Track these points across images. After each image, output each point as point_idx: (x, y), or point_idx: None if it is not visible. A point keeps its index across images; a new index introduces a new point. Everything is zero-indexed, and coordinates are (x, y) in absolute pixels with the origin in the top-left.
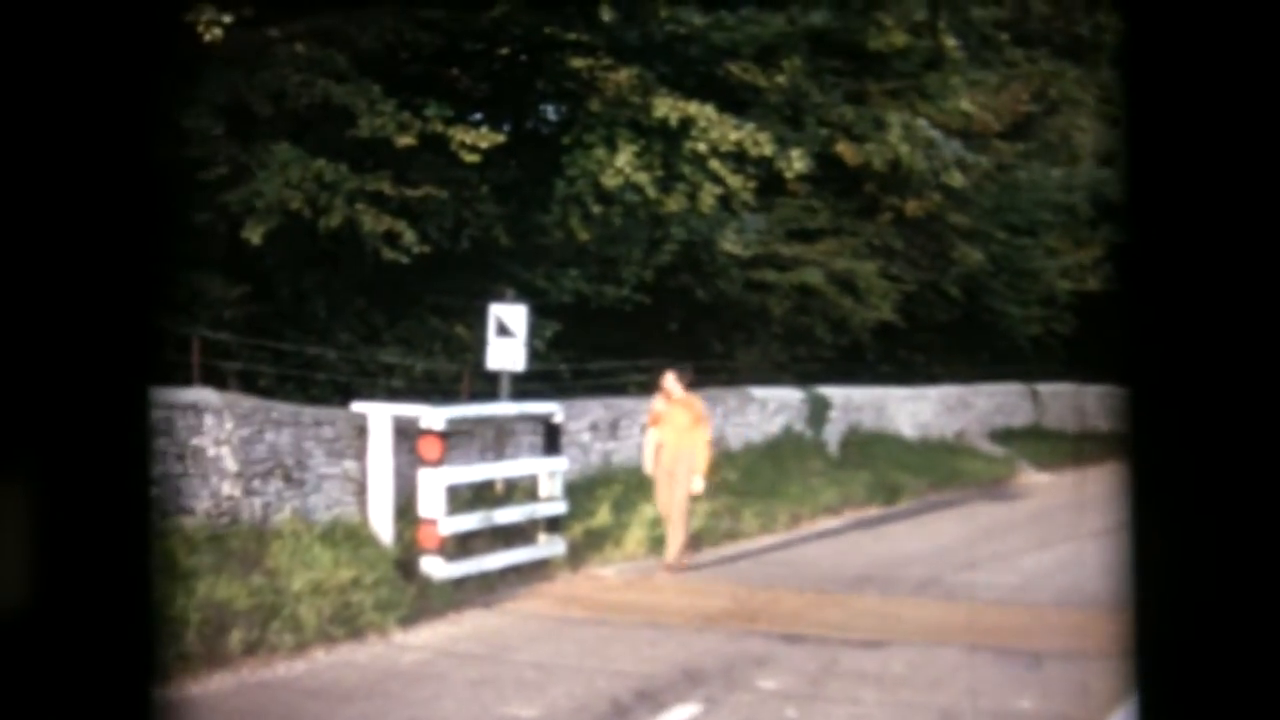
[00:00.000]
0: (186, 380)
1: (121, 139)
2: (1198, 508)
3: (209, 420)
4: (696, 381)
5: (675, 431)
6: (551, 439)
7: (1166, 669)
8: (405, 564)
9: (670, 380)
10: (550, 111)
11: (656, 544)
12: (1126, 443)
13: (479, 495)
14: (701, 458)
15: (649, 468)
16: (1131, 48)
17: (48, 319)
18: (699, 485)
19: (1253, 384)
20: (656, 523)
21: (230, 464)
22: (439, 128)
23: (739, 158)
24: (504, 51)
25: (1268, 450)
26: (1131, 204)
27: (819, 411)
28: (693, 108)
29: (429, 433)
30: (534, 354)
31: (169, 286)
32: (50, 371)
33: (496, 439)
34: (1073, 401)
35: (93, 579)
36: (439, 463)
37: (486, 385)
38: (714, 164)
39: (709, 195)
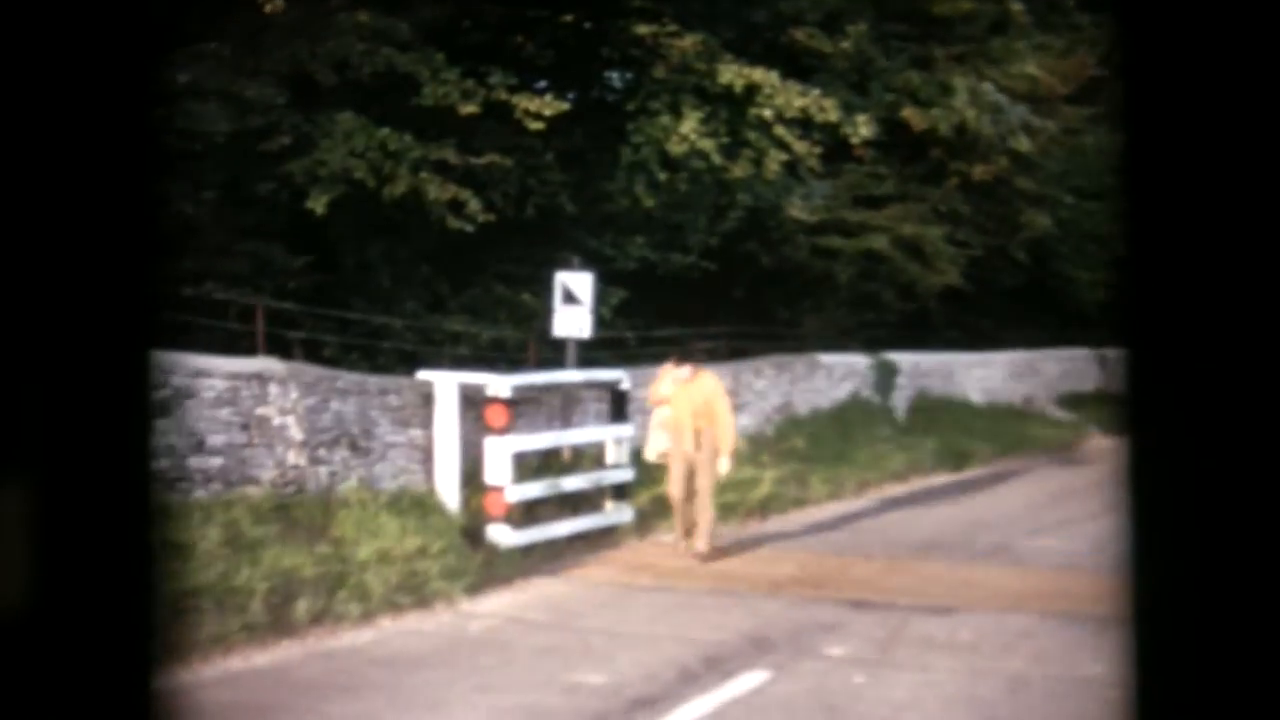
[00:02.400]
0: (251, 350)
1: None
2: (1199, 473)
3: (274, 389)
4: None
5: (689, 414)
6: (618, 406)
7: (1164, 636)
8: (472, 532)
9: (675, 360)
10: (615, 78)
11: (725, 510)
12: (1127, 406)
13: (546, 463)
14: (726, 437)
15: (653, 452)
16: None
17: (41, 276)
18: (726, 465)
19: (1257, 350)
20: (723, 489)
21: (296, 433)
22: (503, 96)
23: (805, 124)
24: (568, 19)
25: (1271, 413)
26: (1132, 166)
27: (886, 378)
28: (758, 74)
29: (495, 400)
30: (600, 321)
31: (168, 244)
32: (40, 334)
33: (563, 406)
34: None
35: (87, 560)
36: (505, 430)
37: (553, 353)
38: (779, 130)
39: (775, 161)
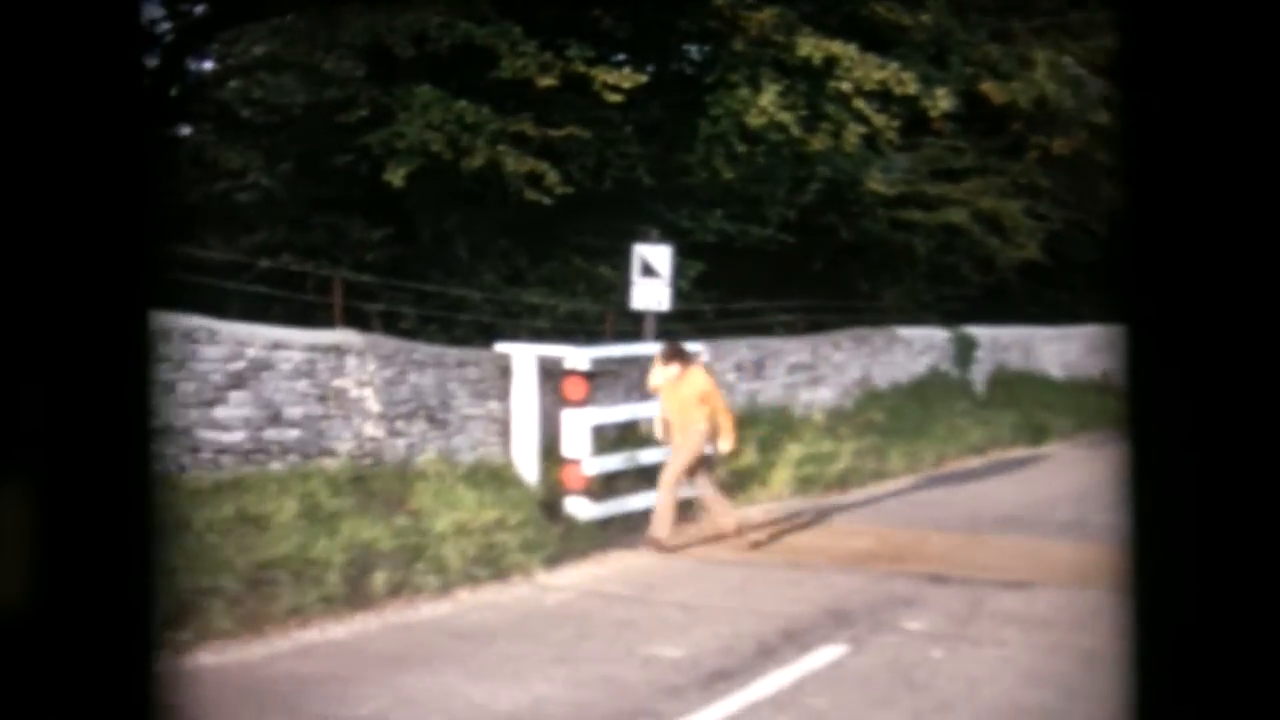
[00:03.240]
0: (329, 322)
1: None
2: (1198, 449)
3: (351, 362)
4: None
5: (678, 411)
6: None
7: (1162, 610)
8: (550, 505)
9: (662, 360)
10: (693, 51)
11: (803, 483)
12: (1125, 383)
13: (623, 435)
14: (726, 426)
15: (660, 434)
16: None
17: (33, 235)
18: (727, 445)
19: (1256, 328)
20: (802, 462)
21: (373, 405)
22: (581, 69)
23: (883, 97)
24: None
25: (1269, 390)
26: (1131, 139)
27: (965, 351)
28: (836, 47)
29: (573, 373)
30: (679, 294)
31: (166, 200)
32: (33, 295)
33: (642, 379)
34: None
35: (80, 543)
36: (584, 403)
37: (631, 325)
38: (858, 103)
39: (853, 134)
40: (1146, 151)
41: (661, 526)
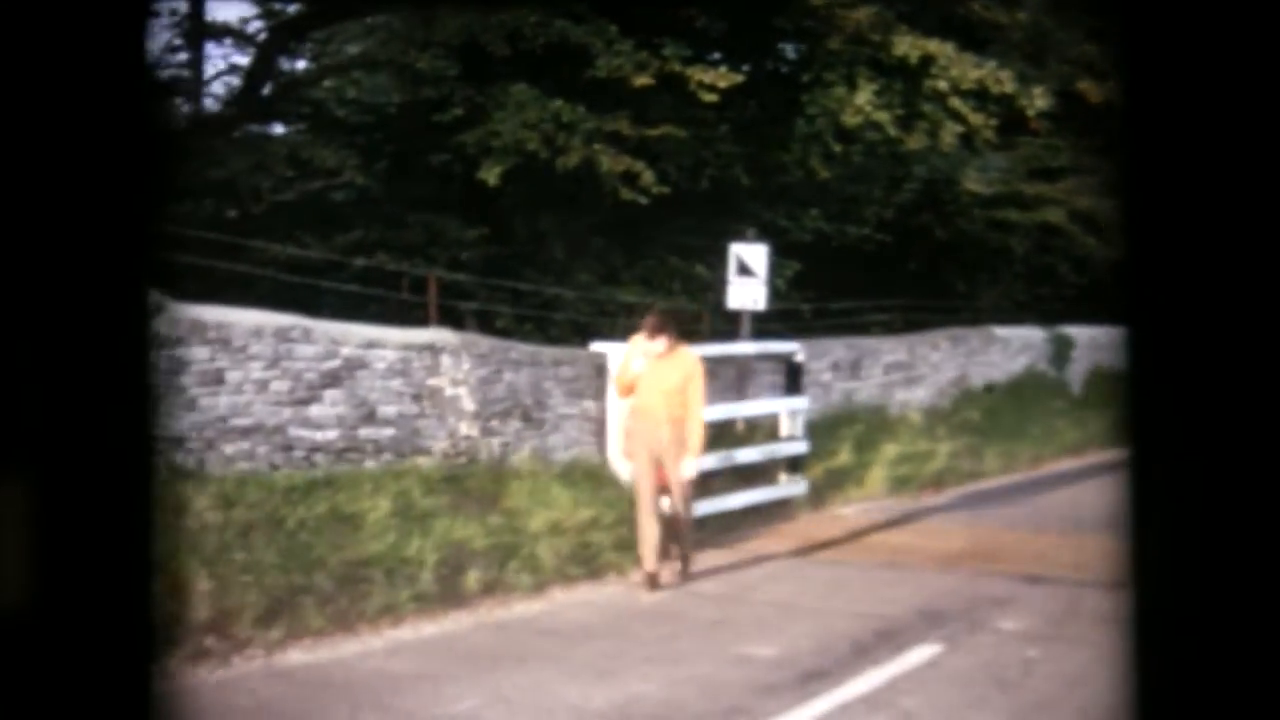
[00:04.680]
0: (423, 321)
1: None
2: (1199, 449)
3: (446, 360)
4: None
5: (661, 397)
6: (793, 378)
7: (1162, 600)
8: None
9: (647, 331)
10: (789, 50)
11: (899, 483)
12: (1126, 385)
13: (720, 434)
14: (695, 431)
15: (618, 459)
16: None
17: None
18: (691, 469)
19: (1257, 326)
20: (898, 461)
21: (468, 404)
22: (677, 67)
23: (980, 95)
24: None
25: (1269, 388)
26: (1130, 137)
27: (1062, 351)
28: (933, 45)
29: None
30: (775, 293)
31: (165, 185)
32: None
33: (737, 378)
34: None
35: (78, 535)
36: None
37: (727, 324)
38: (955, 102)
39: (950, 134)
40: (1147, 155)
41: (653, 561)
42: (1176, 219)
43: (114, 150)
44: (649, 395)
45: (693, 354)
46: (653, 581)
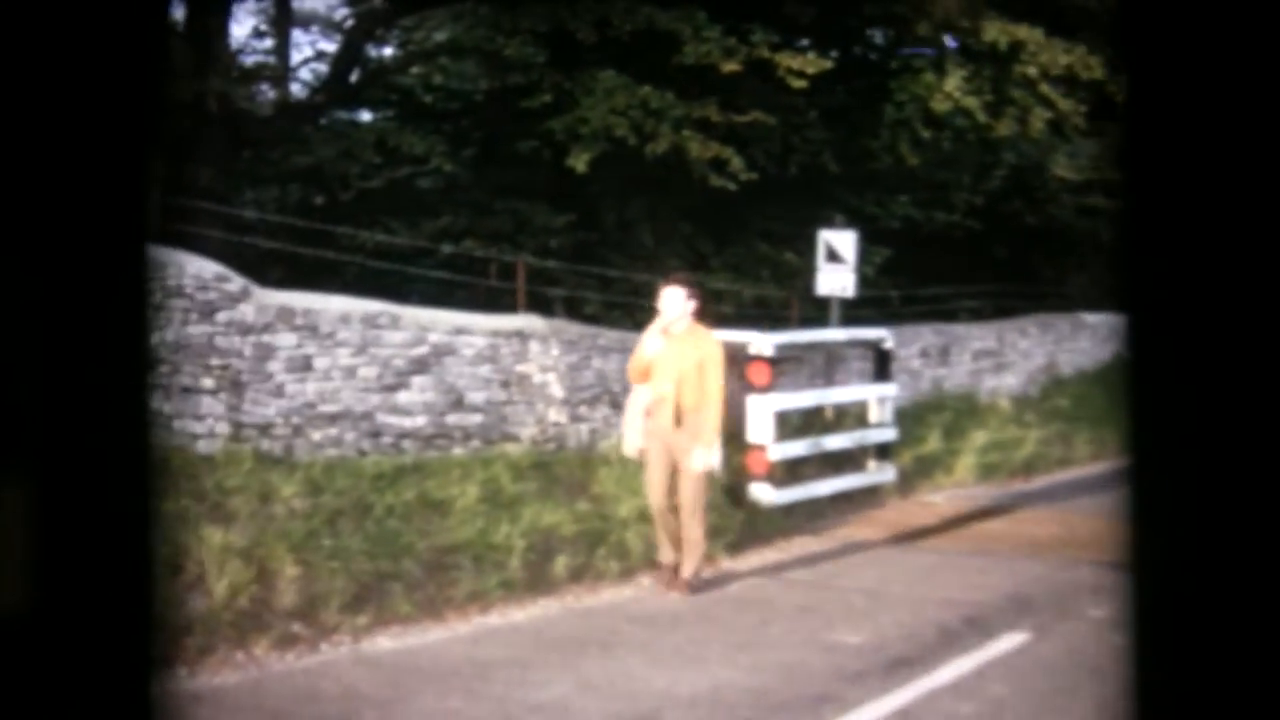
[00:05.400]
0: (512, 307)
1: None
2: (1200, 438)
3: (535, 347)
4: (1007, 308)
5: (674, 382)
6: (882, 365)
7: (1163, 590)
8: (733, 490)
9: (670, 300)
10: (878, 36)
11: (988, 470)
12: (1129, 371)
13: (808, 421)
14: (711, 420)
15: (633, 447)
16: None
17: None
18: (709, 459)
19: (1258, 315)
20: (987, 448)
21: (557, 390)
22: (765, 54)
23: (1070, 81)
24: None
25: (1270, 379)
26: (1133, 124)
27: None
28: (1022, 31)
29: (758, 359)
30: (864, 280)
31: (160, 131)
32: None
33: (826, 365)
34: None
35: (74, 534)
36: (768, 389)
37: (816, 311)
38: (1044, 88)
39: (1039, 120)
40: (1151, 144)
41: (689, 563)
42: (1181, 209)
43: (111, 127)
44: (663, 380)
45: (711, 334)
46: (671, 577)
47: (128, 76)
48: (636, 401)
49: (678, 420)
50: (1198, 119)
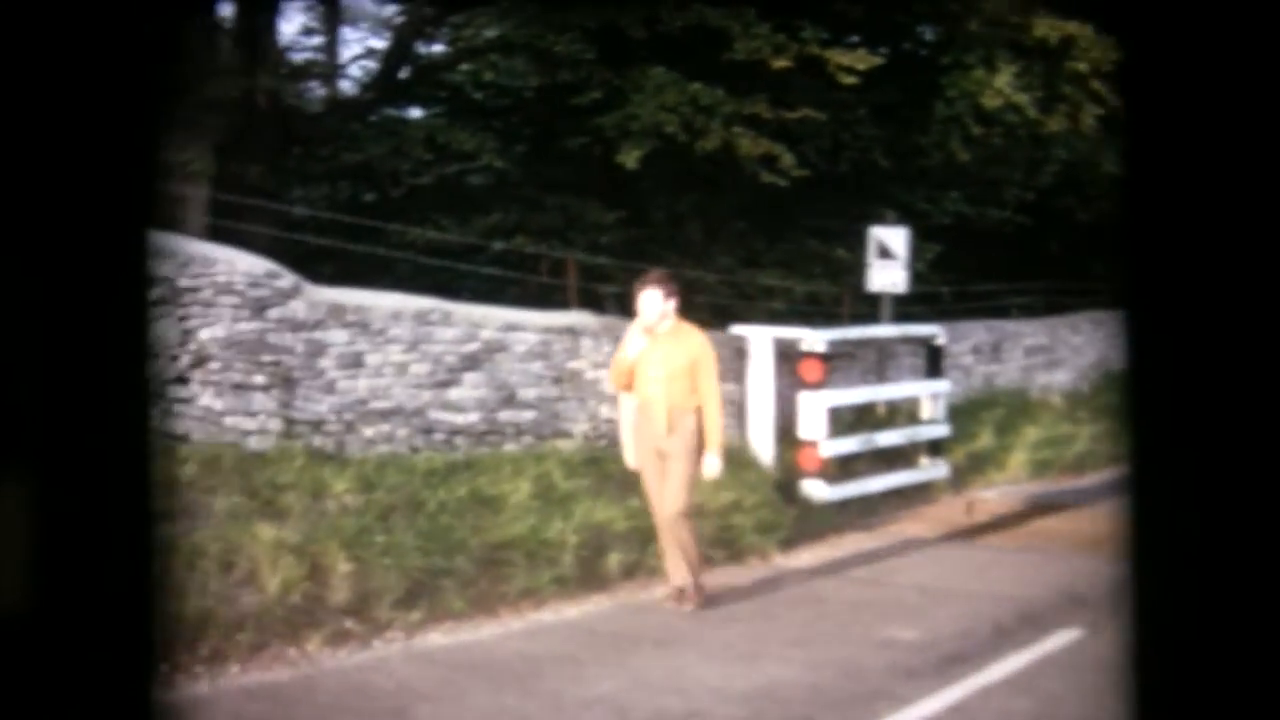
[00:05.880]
0: (563, 304)
1: None
2: (1200, 437)
3: (586, 343)
4: (1059, 304)
5: (662, 385)
6: (934, 361)
7: (1162, 588)
8: (786, 486)
9: (648, 302)
10: (928, 33)
11: (1040, 467)
12: (1127, 368)
13: (860, 418)
14: (714, 422)
15: (633, 456)
16: None
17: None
18: (715, 466)
19: (1257, 310)
20: (1039, 445)
21: (608, 387)
22: (815, 50)
23: None
24: None
25: (1269, 374)
26: (1134, 126)
27: None
28: (1072, 27)
29: (810, 355)
30: (915, 276)
31: (164, 118)
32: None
33: (878, 361)
34: None
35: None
36: (820, 385)
37: (867, 307)
38: (1095, 84)
39: (1090, 116)
40: (1151, 140)
41: (680, 573)
42: (1181, 209)
43: (112, 113)
44: (648, 384)
45: (698, 332)
46: (681, 595)
47: (130, 67)
48: (627, 409)
49: (670, 426)
50: (1198, 119)
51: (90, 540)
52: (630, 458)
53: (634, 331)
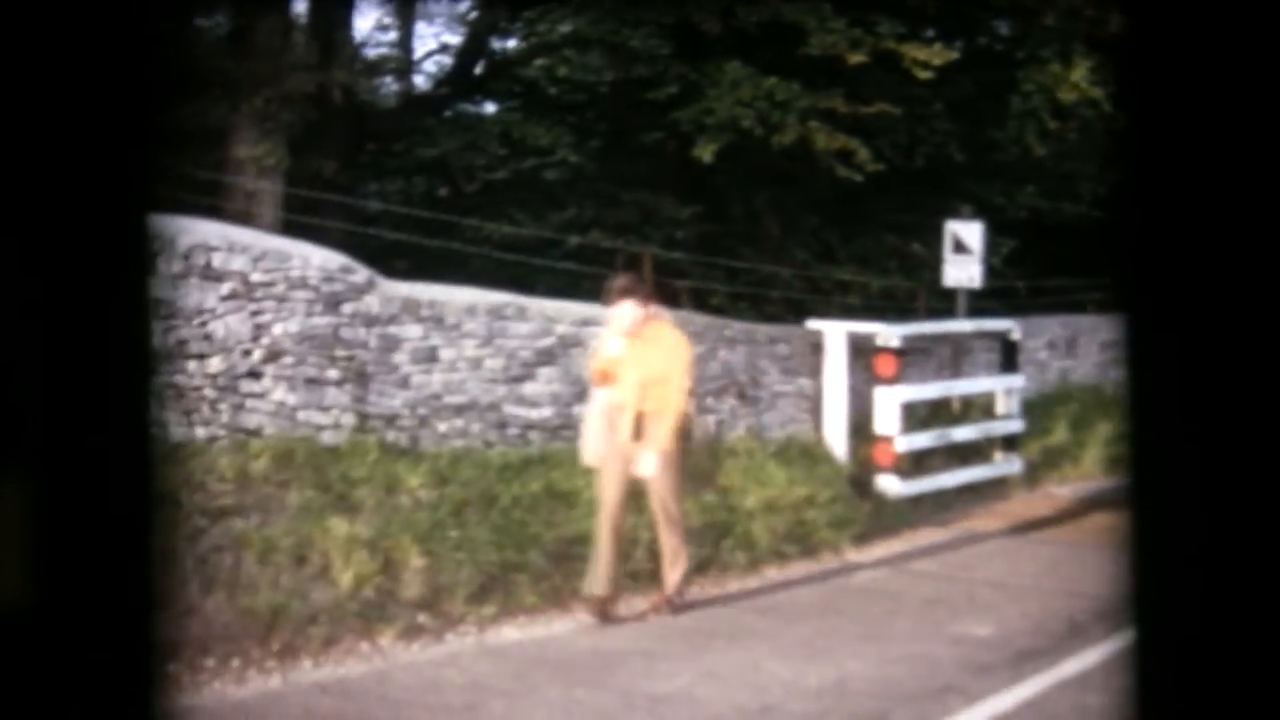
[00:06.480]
0: None
1: None
2: (1199, 437)
3: None
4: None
5: (633, 387)
6: (1009, 356)
7: (1164, 589)
8: (859, 482)
9: (623, 314)
10: (1003, 27)
11: (1114, 463)
12: (1127, 370)
13: (935, 413)
14: (666, 424)
15: (593, 454)
16: None
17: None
18: (650, 465)
19: (1256, 311)
20: (1114, 441)
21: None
22: (891, 44)
23: None
24: None
25: (1268, 376)
26: (1130, 124)
27: None
28: None
29: (885, 350)
30: (990, 271)
31: (165, 101)
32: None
33: (953, 356)
34: None
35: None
36: (895, 380)
37: (943, 302)
38: None
39: None
40: (1147, 142)
41: (672, 577)
42: (1179, 205)
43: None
44: (621, 387)
45: (676, 331)
46: (601, 611)
47: (128, 60)
48: (597, 405)
49: (637, 432)
50: (1197, 119)
51: (89, 540)
52: (588, 454)
53: (610, 333)
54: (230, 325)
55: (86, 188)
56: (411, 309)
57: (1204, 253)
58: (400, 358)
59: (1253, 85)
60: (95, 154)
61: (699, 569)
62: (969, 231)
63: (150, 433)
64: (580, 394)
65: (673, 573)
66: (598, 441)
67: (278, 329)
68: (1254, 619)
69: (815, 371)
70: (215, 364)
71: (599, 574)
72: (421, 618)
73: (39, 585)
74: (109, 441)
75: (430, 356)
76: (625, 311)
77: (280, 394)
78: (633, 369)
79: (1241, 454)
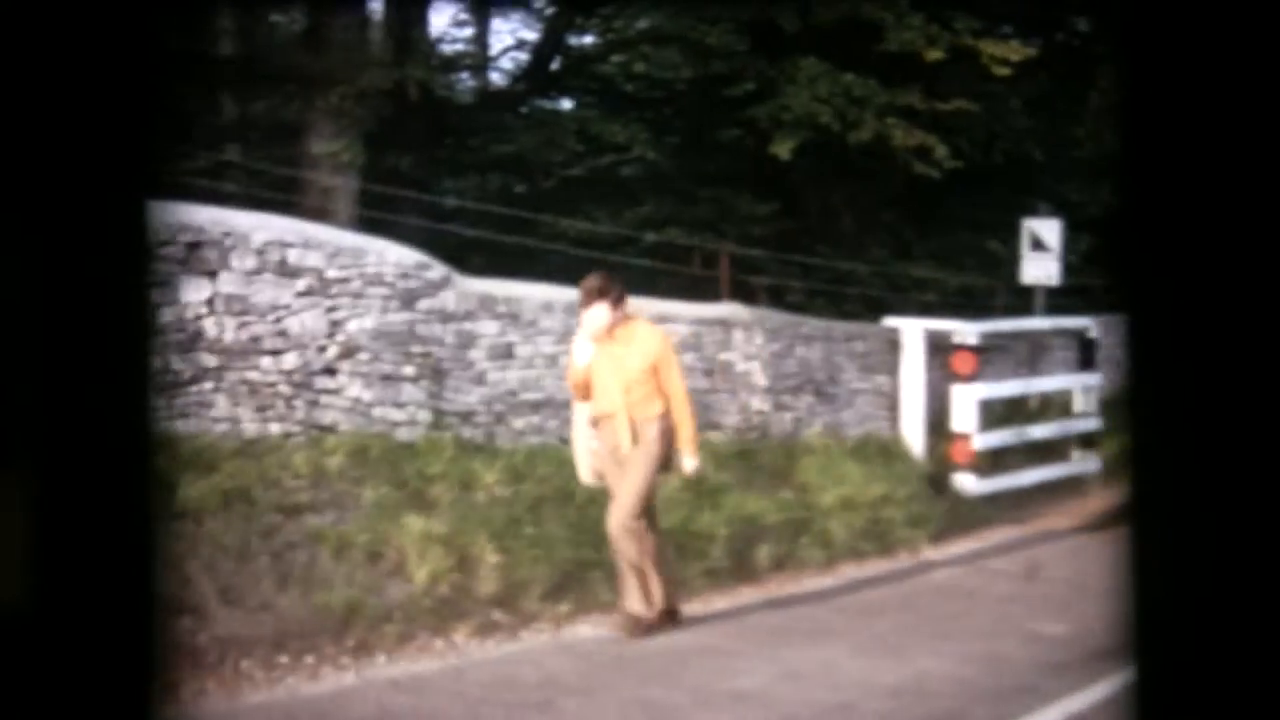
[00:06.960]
0: (715, 295)
1: None
2: (1201, 439)
3: (738, 335)
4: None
5: (619, 391)
6: (1087, 354)
7: (1166, 591)
8: (936, 479)
9: (595, 315)
10: (1081, 23)
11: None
12: (1129, 373)
13: (1012, 410)
14: (685, 422)
15: (588, 473)
16: None
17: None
18: (693, 466)
19: (1258, 312)
20: None
21: (760, 379)
22: (968, 41)
23: None
24: None
25: (1270, 377)
26: (1133, 128)
27: None
28: None
29: (962, 347)
30: (1068, 268)
31: (168, 91)
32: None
33: (1030, 354)
34: None
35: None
36: (972, 378)
37: (1020, 300)
38: None
39: None
40: (1149, 145)
41: (634, 598)
42: (1180, 207)
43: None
44: (604, 396)
45: (654, 327)
46: (636, 626)
47: (126, 54)
48: (581, 419)
49: (633, 437)
50: (1197, 119)
51: (88, 539)
52: (584, 473)
53: (581, 337)
54: (306, 322)
55: (85, 183)
56: (488, 305)
57: (1206, 257)
58: (476, 354)
59: (1253, 89)
60: (92, 147)
61: (777, 565)
62: (1047, 228)
63: (150, 426)
64: None
65: (652, 592)
66: (593, 459)
67: (353, 325)
68: (1258, 619)
69: (892, 369)
70: (290, 360)
71: (631, 591)
72: (496, 614)
73: (38, 585)
74: (108, 436)
75: (506, 353)
76: (598, 314)
77: (356, 390)
78: (612, 375)
79: (1242, 454)
